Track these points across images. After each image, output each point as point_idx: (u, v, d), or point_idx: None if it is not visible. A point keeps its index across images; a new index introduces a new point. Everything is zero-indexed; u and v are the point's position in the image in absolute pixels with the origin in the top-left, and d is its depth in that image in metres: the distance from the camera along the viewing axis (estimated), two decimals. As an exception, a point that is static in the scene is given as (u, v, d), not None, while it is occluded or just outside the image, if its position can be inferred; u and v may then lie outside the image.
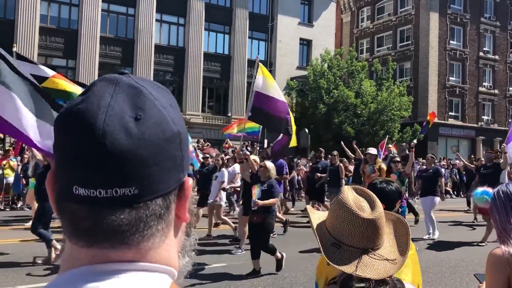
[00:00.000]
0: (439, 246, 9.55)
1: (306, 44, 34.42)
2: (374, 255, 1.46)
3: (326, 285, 1.59)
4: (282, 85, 31.57)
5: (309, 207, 1.80)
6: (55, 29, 26.05)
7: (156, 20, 28.63)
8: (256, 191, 7.02)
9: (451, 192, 23.12)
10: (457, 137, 36.07)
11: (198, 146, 17.40)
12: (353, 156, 13.29)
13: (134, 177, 0.61)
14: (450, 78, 35.98)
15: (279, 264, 6.96)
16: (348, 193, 1.54)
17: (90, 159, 0.60)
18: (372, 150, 10.50)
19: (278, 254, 6.94)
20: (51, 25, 26.00)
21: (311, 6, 34.59)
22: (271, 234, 7.76)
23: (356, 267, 1.41)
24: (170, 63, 29.30)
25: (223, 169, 10.32)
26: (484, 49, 37.60)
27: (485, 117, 37.56)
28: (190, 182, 0.70)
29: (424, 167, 13.29)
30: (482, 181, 10.45)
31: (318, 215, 1.64)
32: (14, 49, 7.21)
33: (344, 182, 12.00)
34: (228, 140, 19.24)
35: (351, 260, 1.44)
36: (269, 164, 7.45)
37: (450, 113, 35.76)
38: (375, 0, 39.26)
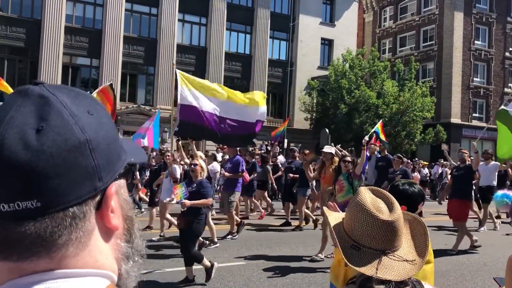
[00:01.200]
0: (460, 249, 9.42)
1: (327, 44, 34.24)
2: (394, 256, 1.46)
3: (345, 285, 1.61)
4: (303, 84, 31.56)
5: (325, 208, 1.79)
6: (80, 28, 26.53)
7: (179, 20, 28.88)
8: (179, 191, 6.50)
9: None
10: (481, 138, 35.30)
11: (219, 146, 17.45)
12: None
13: (35, 190, 0.60)
14: (475, 78, 35.33)
15: (208, 273, 6.28)
16: (366, 195, 1.53)
17: None
18: (327, 148, 9.59)
19: (207, 263, 6.29)
20: (76, 25, 26.49)
21: (333, 6, 34.39)
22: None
23: (377, 269, 1.42)
24: (192, 62, 29.52)
25: (175, 165, 9.86)
26: (510, 49, 36.80)
27: (510, 119, 36.73)
28: (112, 189, 0.68)
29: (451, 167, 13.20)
30: (454, 184, 10.18)
31: (334, 216, 1.65)
32: None
33: (314, 183, 11.65)
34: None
35: (371, 261, 1.44)
36: (203, 163, 7.01)
37: (473, 114, 35.11)
38: (398, -1, 38.84)
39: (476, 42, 35.45)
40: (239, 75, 31.12)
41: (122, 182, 0.73)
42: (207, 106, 8.55)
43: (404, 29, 38.18)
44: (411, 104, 28.05)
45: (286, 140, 17.30)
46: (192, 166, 6.87)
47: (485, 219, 12.23)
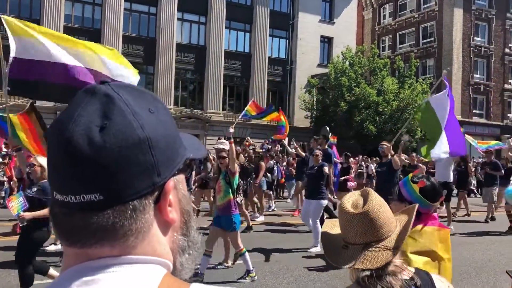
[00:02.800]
0: (463, 245, 9.39)
1: (327, 41, 34.19)
2: (377, 247, 1.53)
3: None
4: (303, 82, 31.51)
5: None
6: (79, 28, 26.46)
7: (178, 18, 28.82)
8: (15, 203, 5.20)
9: (475, 191, 22.70)
10: (481, 135, 35.37)
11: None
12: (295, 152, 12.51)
13: (98, 184, 0.65)
14: (475, 75, 35.31)
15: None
16: (349, 197, 1.65)
17: (58, 168, 0.67)
18: (219, 144, 7.31)
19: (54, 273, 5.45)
20: (75, 25, 26.43)
21: (332, 3, 34.32)
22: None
23: (355, 261, 1.52)
24: (191, 61, 29.47)
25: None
26: (510, 45, 36.76)
27: (510, 115, 36.75)
28: (170, 184, 0.72)
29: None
30: (378, 180, 9.98)
31: (331, 223, 1.77)
32: None
33: (265, 181, 11.64)
34: (249, 138, 19.25)
35: (354, 256, 1.54)
36: (42, 161, 5.45)
37: (474, 111, 35.10)
38: (397, -4, 38.79)
39: (475, 38, 35.41)
40: (239, 73, 31.06)
41: (181, 177, 0.77)
42: (63, 56, 6.16)
43: (404, 26, 38.14)
44: (411, 101, 28.01)
45: (287, 139, 17.18)
46: (30, 166, 5.56)
47: (449, 217, 11.50)
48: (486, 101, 35.75)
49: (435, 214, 2.69)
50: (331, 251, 1.63)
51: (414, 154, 12.49)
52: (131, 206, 0.67)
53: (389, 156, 8.97)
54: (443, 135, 8.04)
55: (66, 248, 0.70)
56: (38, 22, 24.99)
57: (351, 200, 1.62)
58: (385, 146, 9.13)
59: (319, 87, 30.53)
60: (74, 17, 26.47)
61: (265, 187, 14.02)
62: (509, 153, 12.16)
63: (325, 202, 8.90)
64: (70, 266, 0.68)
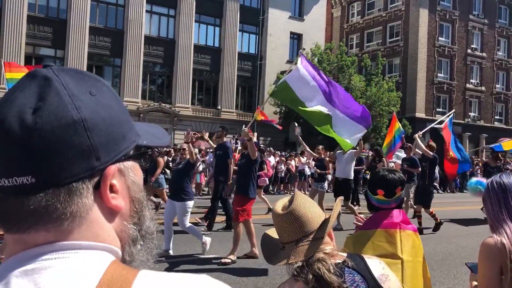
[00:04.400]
0: (425, 240, 9.68)
1: (296, 38, 34.41)
2: (307, 240, 1.63)
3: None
4: (273, 78, 31.62)
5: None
6: (44, 18, 25.68)
7: (146, 11, 28.37)
8: None
9: (438, 187, 23.40)
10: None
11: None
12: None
13: (29, 166, 0.63)
14: (438, 74, 36.30)
15: None
16: (280, 201, 1.76)
17: None
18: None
19: None
20: (39, 14, 25.62)
21: (302, 0, 34.55)
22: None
23: (288, 258, 1.61)
24: (160, 54, 29.10)
25: None
26: (472, 46, 37.96)
27: (472, 114, 37.99)
28: (112, 169, 0.69)
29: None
30: (237, 176, 9.41)
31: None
32: None
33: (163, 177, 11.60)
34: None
35: (288, 253, 1.62)
36: None
37: (437, 109, 36.10)
38: (366, -5, 39.38)
39: (440, 38, 36.38)
40: (208, 68, 30.90)
41: (131, 163, 0.74)
42: None
43: (371, 25, 38.78)
44: (377, 98, 28.59)
45: (256, 133, 17.21)
46: None
47: (353, 212, 9.99)
48: (449, 100, 36.82)
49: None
50: (269, 253, 1.75)
51: (321, 147, 12.01)
52: (65, 190, 0.65)
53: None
54: (339, 115, 7.03)
55: (6, 235, 0.68)
56: (0, 11, 24.11)
57: (281, 203, 1.73)
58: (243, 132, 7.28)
59: (288, 83, 30.67)
60: (38, 6, 25.63)
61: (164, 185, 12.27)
62: (416, 149, 11.56)
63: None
64: (12, 254, 0.66)
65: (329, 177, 13.05)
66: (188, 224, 7.53)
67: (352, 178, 10.83)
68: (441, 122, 12.32)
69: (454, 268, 7.28)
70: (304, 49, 7.16)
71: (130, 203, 0.74)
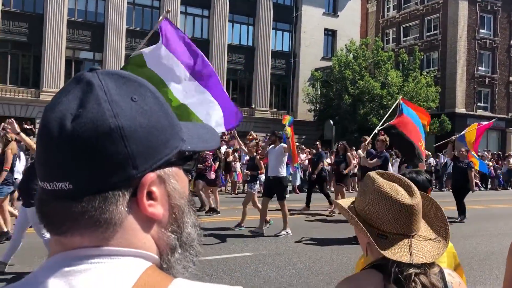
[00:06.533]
0: (466, 239, 9.39)
1: (330, 34, 34.05)
2: (419, 237, 1.45)
3: (364, 269, 1.53)
4: (307, 76, 31.44)
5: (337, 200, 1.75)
6: (82, 22, 26.48)
7: (181, 12, 28.77)
8: None
9: (480, 185, 22.64)
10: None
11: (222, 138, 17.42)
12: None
13: (66, 173, 0.64)
14: (479, 68, 35.08)
15: None
16: (380, 180, 1.49)
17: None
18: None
19: None
20: (78, 19, 26.45)
21: (336, -4, 34.16)
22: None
23: (411, 254, 1.39)
24: (195, 55, 29.40)
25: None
26: (515, 37, 36.51)
27: (515, 108, 36.58)
28: (150, 176, 0.68)
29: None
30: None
31: (345, 203, 1.60)
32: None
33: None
34: (252, 132, 19.25)
35: (401, 247, 1.42)
36: None
37: (479, 104, 34.92)
38: (402, -11, 38.54)
39: (481, 30, 35.15)
40: (242, 67, 31.02)
41: (173, 169, 0.73)
42: None
43: (408, 19, 37.90)
44: (415, 94, 27.90)
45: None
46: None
47: (285, 219, 9.39)
48: (491, 94, 35.54)
49: None
50: (375, 240, 1.45)
51: (252, 143, 11.70)
52: (101, 197, 0.65)
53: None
54: (208, 96, 5.76)
55: (50, 236, 0.70)
56: (41, 16, 25.09)
57: (385, 184, 1.48)
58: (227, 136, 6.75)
59: (322, 80, 30.43)
60: (77, 11, 26.44)
61: None
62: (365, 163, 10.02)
63: None
64: (54, 253, 0.68)
65: (262, 177, 11.84)
66: None
67: (284, 175, 9.66)
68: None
69: (496, 268, 7.02)
70: (169, 11, 5.63)
71: (169, 210, 0.72)
